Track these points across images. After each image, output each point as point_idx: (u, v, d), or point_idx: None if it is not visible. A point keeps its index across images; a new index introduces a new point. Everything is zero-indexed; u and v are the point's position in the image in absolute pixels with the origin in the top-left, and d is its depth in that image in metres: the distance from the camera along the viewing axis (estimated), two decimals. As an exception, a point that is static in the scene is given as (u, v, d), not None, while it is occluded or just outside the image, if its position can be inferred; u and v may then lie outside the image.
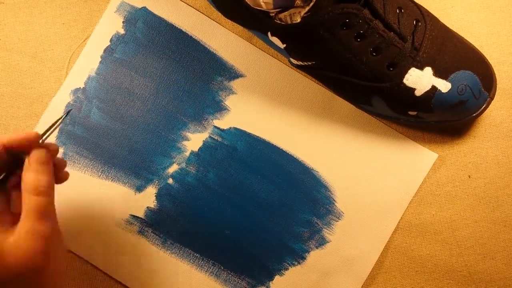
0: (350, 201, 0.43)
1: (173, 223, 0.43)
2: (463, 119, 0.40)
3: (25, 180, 0.30)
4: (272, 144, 0.43)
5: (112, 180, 0.43)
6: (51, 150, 0.33)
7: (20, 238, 0.28)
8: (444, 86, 0.38)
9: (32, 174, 0.30)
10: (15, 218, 0.30)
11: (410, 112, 0.40)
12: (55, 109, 0.43)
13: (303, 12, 0.35)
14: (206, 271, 0.43)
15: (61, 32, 0.44)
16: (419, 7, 0.39)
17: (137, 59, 0.43)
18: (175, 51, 0.44)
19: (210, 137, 0.43)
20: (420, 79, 0.38)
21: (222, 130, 0.43)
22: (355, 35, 0.36)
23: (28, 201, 0.29)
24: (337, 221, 0.43)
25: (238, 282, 0.43)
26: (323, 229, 0.43)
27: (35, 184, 0.30)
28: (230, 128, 0.43)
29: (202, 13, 0.44)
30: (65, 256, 0.31)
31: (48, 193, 0.30)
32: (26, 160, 0.31)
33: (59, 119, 0.35)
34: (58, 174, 0.34)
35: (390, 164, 0.43)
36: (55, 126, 0.35)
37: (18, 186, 0.31)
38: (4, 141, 0.30)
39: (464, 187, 0.43)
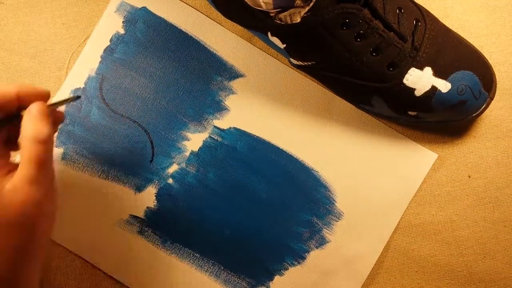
0: (350, 201, 0.43)
1: (173, 223, 0.43)
2: (463, 119, 0.40)
3: (26, 128, 0.30)
4: (272, 144, 0.43)
5: (112, 180, 0.43)
6: (57, 115, 0.34)
7: (18, 184, 0.29)
8: (444, 86, 0.38)
9: (33, 122, 0.30)
10: (11, 167, 0.31)
11: (410, 112, 0.40)
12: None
13: (303, 12, 0.35)
14: (206, 271, 0.43)
15: (61, 32, 0.44)
16: (419, 7, 0.39)
17: (137, 59, 0.43)
18: (175, 51, 0.44)
19: (210, 137, 0.43)
20: (420, 79, 0.38)
21: (222, 130, 0.43)
22: (355, 35, 0.36)
23: (29, 149, 0.29)
24: (337, 221, 0.43)
25: (238, 282, 0.43)
26: (323, 229, 0.43)
27: (37, 132, 0.30)
28: (230, 128, 0.43)
29: (202, 13, 0.44)
30: (56, 205, 0.32)
31: (48, 142, 0.30)
32: (27, 110, 0.31)
33: (66, 99, 0.35)
34: (54, 128, 0.35)
35: (390, 164, 0.43)
36: (59, 102, 0.35)
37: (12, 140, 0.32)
38: (18, 89, 0.30)
39: (464, 187, 0.43)
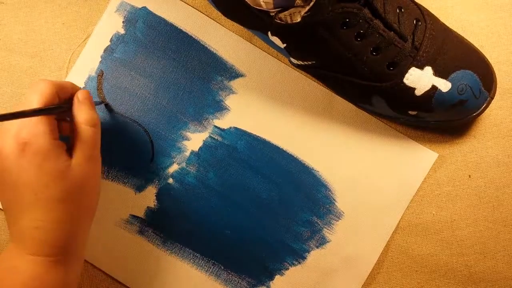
0: (350, 200, 0.43)
1: (173, 223, 0.43)
2: (463, 119, 0.40)
3: (80, 114, 0.35)
4: (272, 144, 0.43)
5: (112, 180, 0.43)
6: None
7: (81, 161, 0.34)
8: (444, 85, 0.38)
9: (85, 110, 0.36)
10: (65, 145, 0.35)
11: (410, 112, 0.40)
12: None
13: (303, 11, 0.35)
14: (206, 271, 0.43)
15: (61, 32, 0.44)
16: (419, 6, 0.39)
17: (137, 59, 0.43)
18: (175, 51, 0.44)
19: (210, 136, 0.43)
20: (420, 79, 0.38)
21: (222, 130, 0.43)
22: (355, 34, 0.36)
23: (86, 131, 0.35)
24: (337, 220, 0.43)
25: (238, 282, 0.43)
26: (324, 229, 0.43)
27: (90, 117, 0.36)
28: (230, 127, 0.43)
29: (202, 12, 0.44)
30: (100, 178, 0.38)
31: (99, 125, 0.36)
32: (76, 98, 0.36)
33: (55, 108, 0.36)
34: None
35: (390, 163, 0.43)
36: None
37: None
38: (57, 89, 0.35)
39: (464, 186, 0.43)
